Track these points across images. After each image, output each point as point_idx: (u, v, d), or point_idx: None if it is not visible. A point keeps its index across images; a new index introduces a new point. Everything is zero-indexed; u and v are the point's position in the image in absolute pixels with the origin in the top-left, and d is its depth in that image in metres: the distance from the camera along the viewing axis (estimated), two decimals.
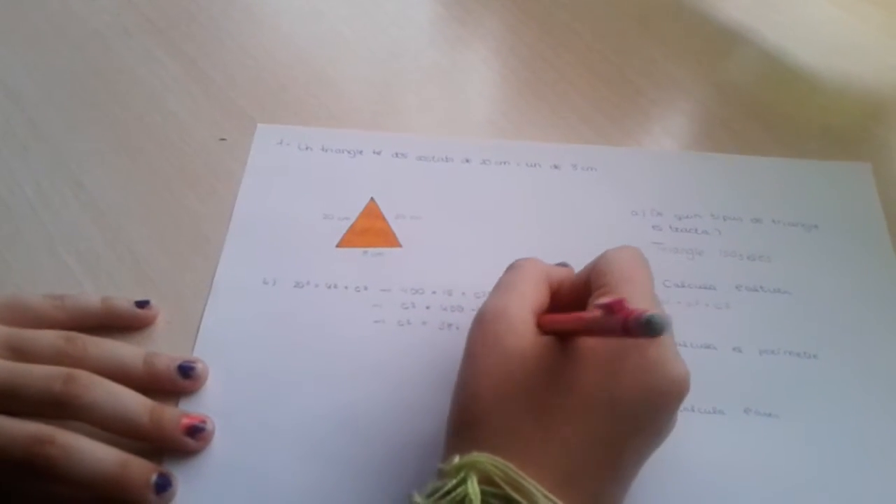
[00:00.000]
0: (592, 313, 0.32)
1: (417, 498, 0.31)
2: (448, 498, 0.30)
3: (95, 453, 0.36)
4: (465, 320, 0.44)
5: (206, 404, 0.41)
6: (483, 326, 0.36)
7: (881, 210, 0.50)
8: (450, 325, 0.45)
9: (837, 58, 0.58)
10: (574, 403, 0.32)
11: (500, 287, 0.38)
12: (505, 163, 0.51)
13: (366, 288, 0.46)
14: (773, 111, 0.55)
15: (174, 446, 0.39)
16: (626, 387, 0.32)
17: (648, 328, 0.27)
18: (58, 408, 0.37)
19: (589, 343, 0.33)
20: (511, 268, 0.39)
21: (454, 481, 0.31)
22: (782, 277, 0.47)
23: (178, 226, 0.48)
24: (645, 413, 0.33)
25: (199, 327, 0.44)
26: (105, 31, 0.58)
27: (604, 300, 0.30)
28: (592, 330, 0.33)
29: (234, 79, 0.55)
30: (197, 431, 0.39)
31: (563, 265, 0.42)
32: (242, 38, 0.58)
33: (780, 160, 0.52)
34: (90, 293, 0.44)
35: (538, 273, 0.38)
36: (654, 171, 0.51)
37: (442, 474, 0.32)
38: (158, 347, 0.43)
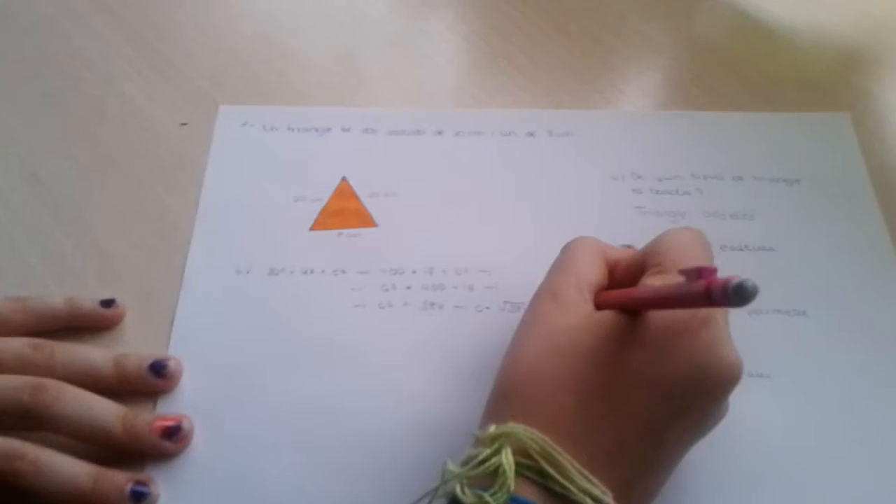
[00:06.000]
0: (672, 282, 0.31)
1: (451, 465, 0.31)
2: (482, 467, 0.30)
3: (66, 468, 0.35)
4: (448, 299, 0.43)
5: (184, 402, 0.40)
6: (534, 306, 0.36)
7: (862, 159, 0.49)
8: (432, 305, 0.43)
9: (810, 6, 0.57)
10: (617, 380, 0.31)
11: (555, 267, 0.37)
12: (479, 133, 0.50)
13: (343, 271, 0.44)
14: (748, 65, 0.54)
15: (151, 451, 0.38)
16: (673, 368, 0.31)
17: (738, 295, 0.25)
18: (27, 420, 0.35)
19: (644, 321, 0.32)
20: (566, 247, 0.38)
21: (488, 451, 0.30)
22: (766, 234, 0.46)
23: (143, 217, 0.46)
24: (691, 397, 0.32)
25: (172, 323, 0.42)
26: (53, 13, 0.55)
27: (689, 266, 0.29)
28: (666, 300, 0.31)
29: (193, 59, 0.53)
30: (174, 433, 0.38)
31: (628, 247, 0.41)
32: (198, 16, 0.55)
33: (758, 115, 0.51)
34: (54, 294, 0.42)
35: (593, 250, 0.37)
36: (631, 133, 0.50)
37: (477, 442, 0.31)
38: (132, 346, 0.42)
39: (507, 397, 0.33)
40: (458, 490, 0.30)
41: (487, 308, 0.43)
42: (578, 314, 0.34)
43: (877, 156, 0.49)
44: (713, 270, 0.27)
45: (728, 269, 0.44)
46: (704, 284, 0.27)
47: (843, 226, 0.47)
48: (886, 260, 0.45)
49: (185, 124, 0.50)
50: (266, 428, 0.39)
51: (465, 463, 0.31)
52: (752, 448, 0.39)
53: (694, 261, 0.33)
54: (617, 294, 0.35)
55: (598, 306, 0.35)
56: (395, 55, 0.54)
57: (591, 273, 0.36)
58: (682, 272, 0.29)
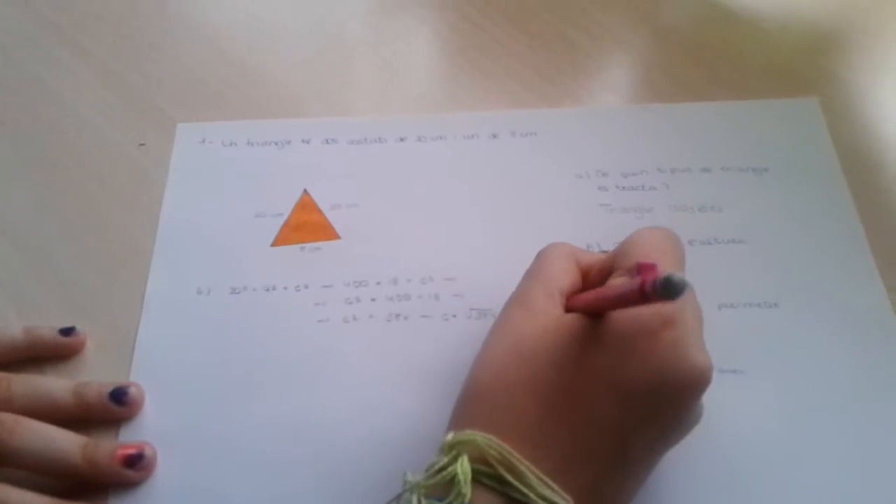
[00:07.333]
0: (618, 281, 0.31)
1: (409, 476, 0.30)
2: (439, 476, 0.29)
3: None
4: (413, 309, 0.43)
5: (148, 429, 0.39)
6: (503, 313, 0.35)
7: (832, 145, 0.48)
8: (398, 316, 0.43)
9: None
10: (580, 384, 0.31)
11: (527, 274, 0.37)
12: (441, 137, 0.49)
13: (306, 286, 0.44)
14: (713, 52, 0.53)
15: (114, 480, 0.37)
16: (633, 370, 0.30)
17: (665, 288, 0.25)
18: None
19: (607, 323, 0.31)
20: (539, 254, 0.38)
21: (446, 459, 0.30)
22: (736, 226, 0.45)
23: (102, 241, 0.45)
24: (655, 401, 0.31)
25: (133, 348, 0.42)
26: (6, 39, 0.54)
27: (633, 264, 0.28)
28: (613, 300, 0.31)
29: (149, 78, 0.52)
30: (136, 461, 0.37)
31: (605, 252, 0.40)
32: (153, 34, 0.55)
33: (725, 103, 0.50)
34: (12, 325, 0.42)
35: (565, 256, 0.37)
36: (595, 129, 0.49)
37: (440, 450, 0.31)
38: (93, 374, 0.41)
39: (470, 403, 0.33)
40: (413, 500, 0.29)
41: (454, 316, 0.43)
42: (546, 321, 0.33)
43: (847, 141, 0.49)
44: (650, 266, 0.27)
45: (698, 263, 0.43)
46: (640, 280, 0.26)
47: (814, 214, 0.46)
48: (859, 247, 0.44)
49: (143, 144, 0.49)
50: (230, 450, 0.39)
51: (426, 472, 0.30)
52: (728, 446, 0.39)
53: (661, 261, 0.33)
54: (581, 297, 0.34)
55: (569, 311, 0.34)
56: (355, 63, 0.54)
57: (563, 278, 0.35)
58: (627, 270, 0.28)
